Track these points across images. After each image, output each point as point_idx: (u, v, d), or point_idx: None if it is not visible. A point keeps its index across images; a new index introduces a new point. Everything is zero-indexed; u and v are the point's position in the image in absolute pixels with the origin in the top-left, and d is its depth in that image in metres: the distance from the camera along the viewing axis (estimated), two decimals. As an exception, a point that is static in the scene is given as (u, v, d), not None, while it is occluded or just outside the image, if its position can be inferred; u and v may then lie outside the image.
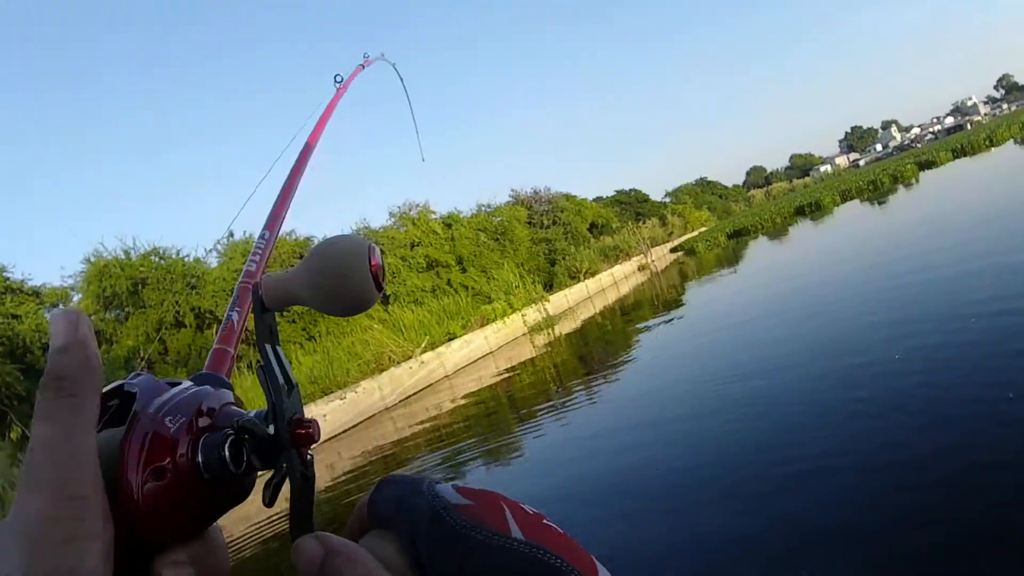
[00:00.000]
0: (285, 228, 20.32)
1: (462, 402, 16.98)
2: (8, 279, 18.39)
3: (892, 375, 7.32)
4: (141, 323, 20.08)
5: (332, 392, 18.30)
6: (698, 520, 5.82)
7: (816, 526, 4.96)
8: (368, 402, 18.68)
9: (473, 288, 28.32)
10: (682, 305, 21.05)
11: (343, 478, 13.23)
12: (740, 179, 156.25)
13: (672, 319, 18.59)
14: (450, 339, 22.83)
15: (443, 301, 26.07)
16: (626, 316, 23.50)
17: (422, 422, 16.35)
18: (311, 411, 17.08)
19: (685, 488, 6.62)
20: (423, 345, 21.41)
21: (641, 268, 43.56)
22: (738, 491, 6.02)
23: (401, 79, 2.76)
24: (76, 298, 21.35)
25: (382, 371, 19.81)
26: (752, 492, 5.90)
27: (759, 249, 33.68)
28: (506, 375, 18.69)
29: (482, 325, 24.45)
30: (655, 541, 5.76)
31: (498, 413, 14.51)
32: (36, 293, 19.56)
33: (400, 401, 19.43)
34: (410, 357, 20.78)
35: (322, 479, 13.92)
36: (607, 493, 7.12)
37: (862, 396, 7.07)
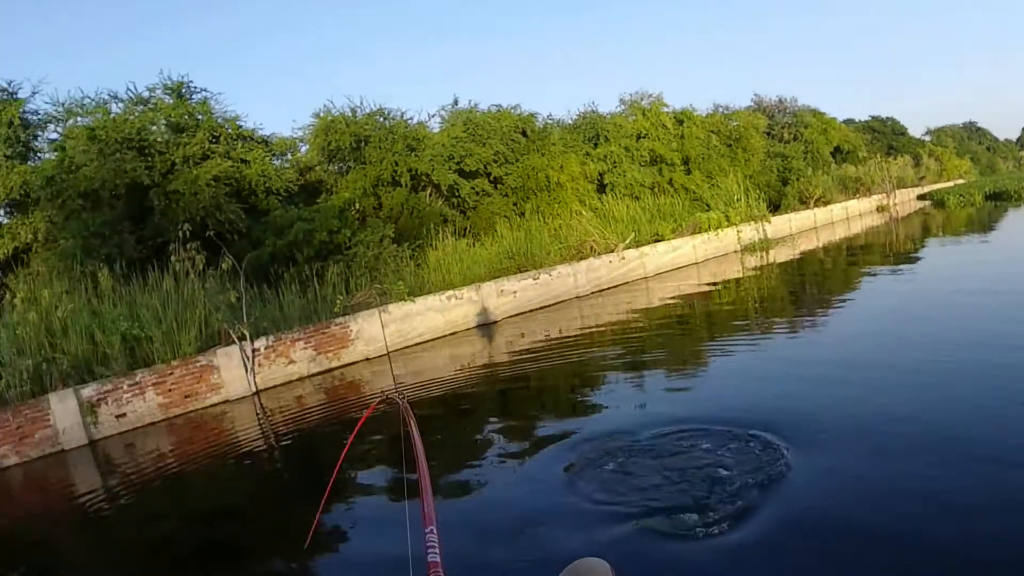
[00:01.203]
0: (496, 101, 19.57)
1: (655, 306, 16.13)
2: (241, 127, 19.32)
3: None
4: (360, 178, 20.57)
5: (527, 271, 17.96)
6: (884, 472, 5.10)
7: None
8: (561, 287, 18.18)
9: (693, 192, 26.76)
10: (917, 260, 18.62)
11: (520, 355, 13.01)
12: (1015, 134, 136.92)
13: (902, 273, 16.43)
14: (656, 241, 21.73)
15: (660, 200, 24.81)
16: (852, 257, 21.33)
17: (610, 317, 15.71)
18: (502, 286, 16.91)
19: (878, 436, 5.75)
20: (627, 241, 20.49)
21: (880, 209, 39.62)
22: (930, 470, 5.01)
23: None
24: (303, 149, 22.50)
25: (581, 259, 19.17)
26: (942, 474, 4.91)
27: (1020, 220, 29.35)
28: (706, 289, 17.51)
29: (693, 233, 23.07)
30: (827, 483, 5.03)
31: (690, 325, 13.56)
32: (265, 141, 20.44)
33: (593, 292, 18.76)
34: (612, 251, 19.96)
35: (499, 352, 13.79)
36: (788, 425, 6.22)
37: None
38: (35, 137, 17.67)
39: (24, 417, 10.82)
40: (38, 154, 17.80)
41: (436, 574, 1.65)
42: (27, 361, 11.30)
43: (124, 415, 11.70)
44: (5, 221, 17.40)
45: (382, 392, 4.35)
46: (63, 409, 11.04)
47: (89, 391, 11.37)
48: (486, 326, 16.29)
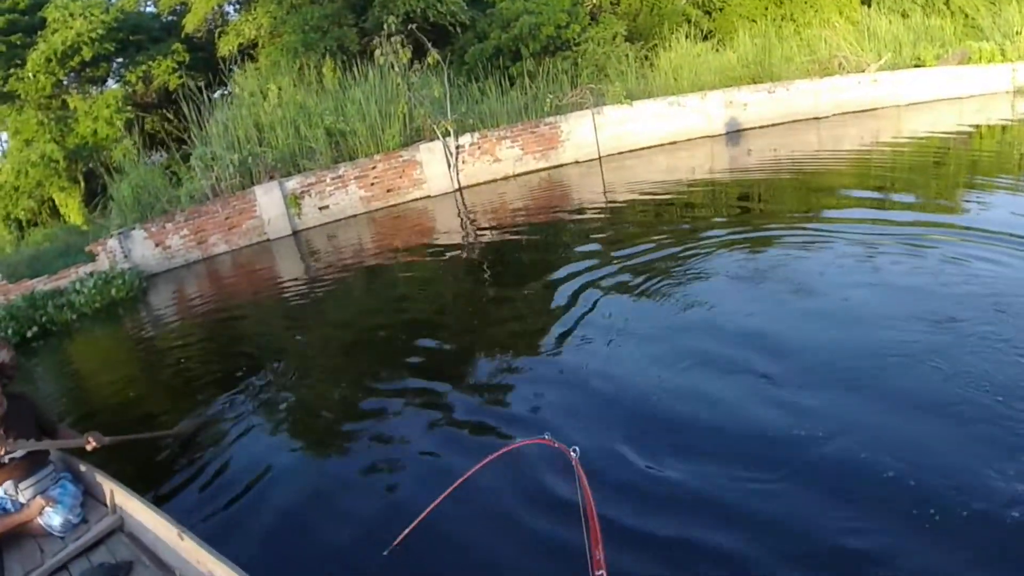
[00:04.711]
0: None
1: (903, 141, 13.32)
2: None
3: None
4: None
5: (762, 83, 15.39)
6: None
7: None
8: (798, 104, 15.42)
9: (971, 18, 21.83)
10: None
11: (744, 170, 11.40)
12: None
13: None
14: (916, 66, 17.96)
15: (929, 21, 20.42)
16: None
17: (851, 145, 13.18)
18: (731, 96, 14.65)
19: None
20: (882, 62, 16.99)
21: None
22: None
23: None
24: None
25: (826, 76, 16.20)
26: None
27: None
28: (967, 131, 14.14)
29: (959, 63, 18.95)
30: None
31: (942, 175, 10.58)
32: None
33: (835, 115, 15.79)
34: (863, 71, 16.70)
35: (721, 166, 12.09)
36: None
37: None
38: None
39: (232, 208, 10.88)
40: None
41: None
42: (234, 155, 11.14)
43: (327, 207, 11.56)
44: (234, 19, 16.89)
45: (552, 440, 3.74)
46: (268, 200, 10.98)
47: (293, 183, 11.20)
48: (709, 139, 14.33)
